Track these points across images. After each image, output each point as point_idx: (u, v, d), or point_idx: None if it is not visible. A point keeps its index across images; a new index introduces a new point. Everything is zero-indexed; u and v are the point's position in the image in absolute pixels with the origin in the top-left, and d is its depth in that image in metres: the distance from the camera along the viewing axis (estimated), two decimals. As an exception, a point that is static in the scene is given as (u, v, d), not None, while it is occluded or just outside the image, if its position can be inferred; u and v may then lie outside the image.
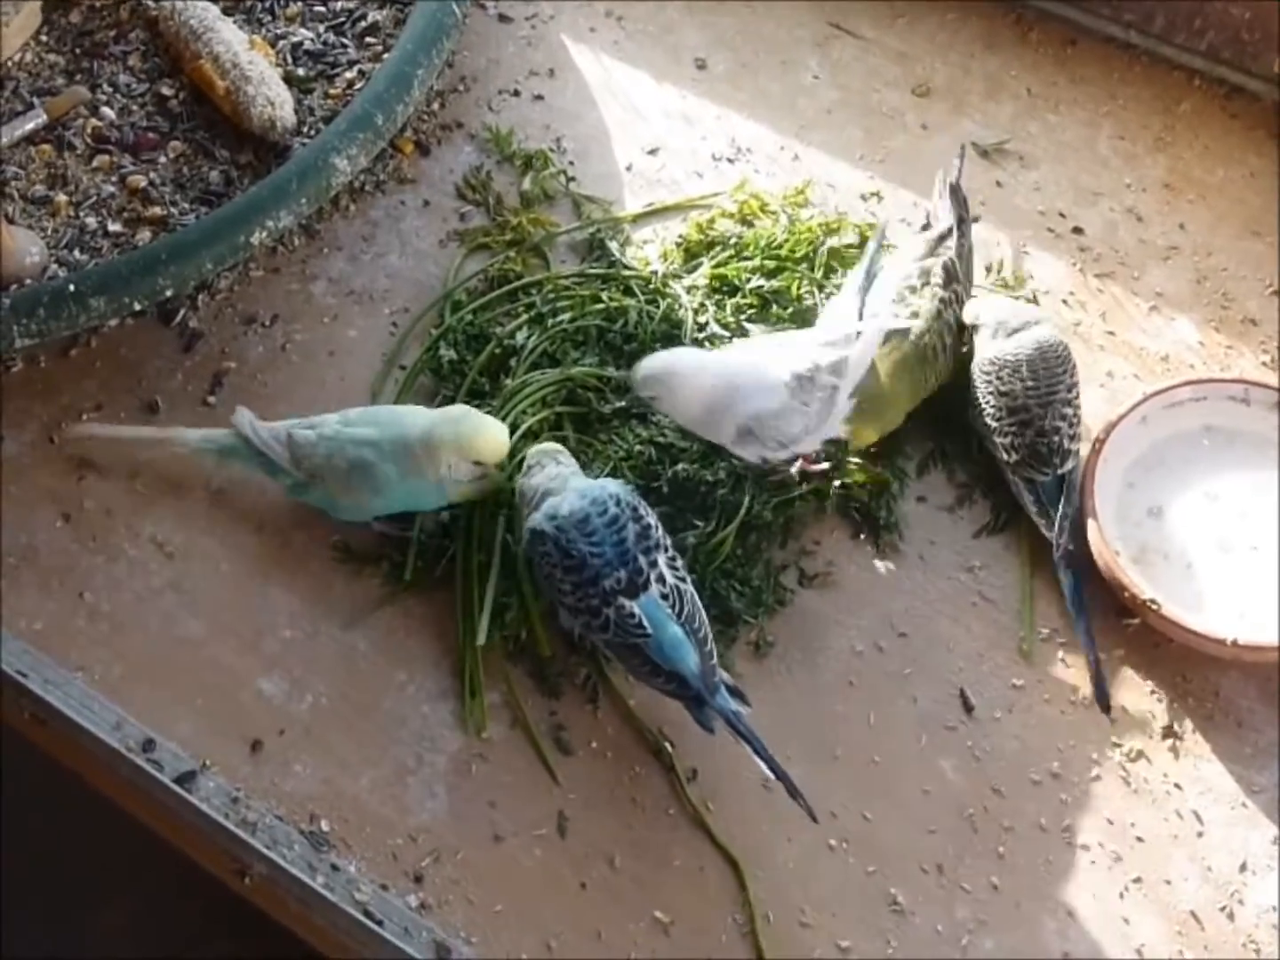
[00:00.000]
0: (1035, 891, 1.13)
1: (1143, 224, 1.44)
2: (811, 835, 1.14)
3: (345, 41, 1.55)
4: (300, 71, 1.52)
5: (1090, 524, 1.23)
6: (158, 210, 1.43)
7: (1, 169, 1.47)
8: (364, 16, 1.56)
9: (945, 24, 1.60)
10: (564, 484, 1.17)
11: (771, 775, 1.11)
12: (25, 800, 1.69)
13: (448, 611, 1.25)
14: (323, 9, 1.57)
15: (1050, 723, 1.19)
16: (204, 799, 1.18)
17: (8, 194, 1.45)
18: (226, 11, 1.55)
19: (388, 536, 1.28)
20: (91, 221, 1.44)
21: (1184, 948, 1.10)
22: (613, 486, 1.17)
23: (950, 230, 1.33)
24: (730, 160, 1.51)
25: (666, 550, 1.16)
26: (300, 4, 1.58)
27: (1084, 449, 1.27)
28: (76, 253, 1.41)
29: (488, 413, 1.27)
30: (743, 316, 1.36)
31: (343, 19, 1.57)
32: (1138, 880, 1.13)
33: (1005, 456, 1.26)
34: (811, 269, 1.38)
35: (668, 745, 1.18)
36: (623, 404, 1.31)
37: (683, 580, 1.15)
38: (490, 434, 1.23)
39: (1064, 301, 1.40)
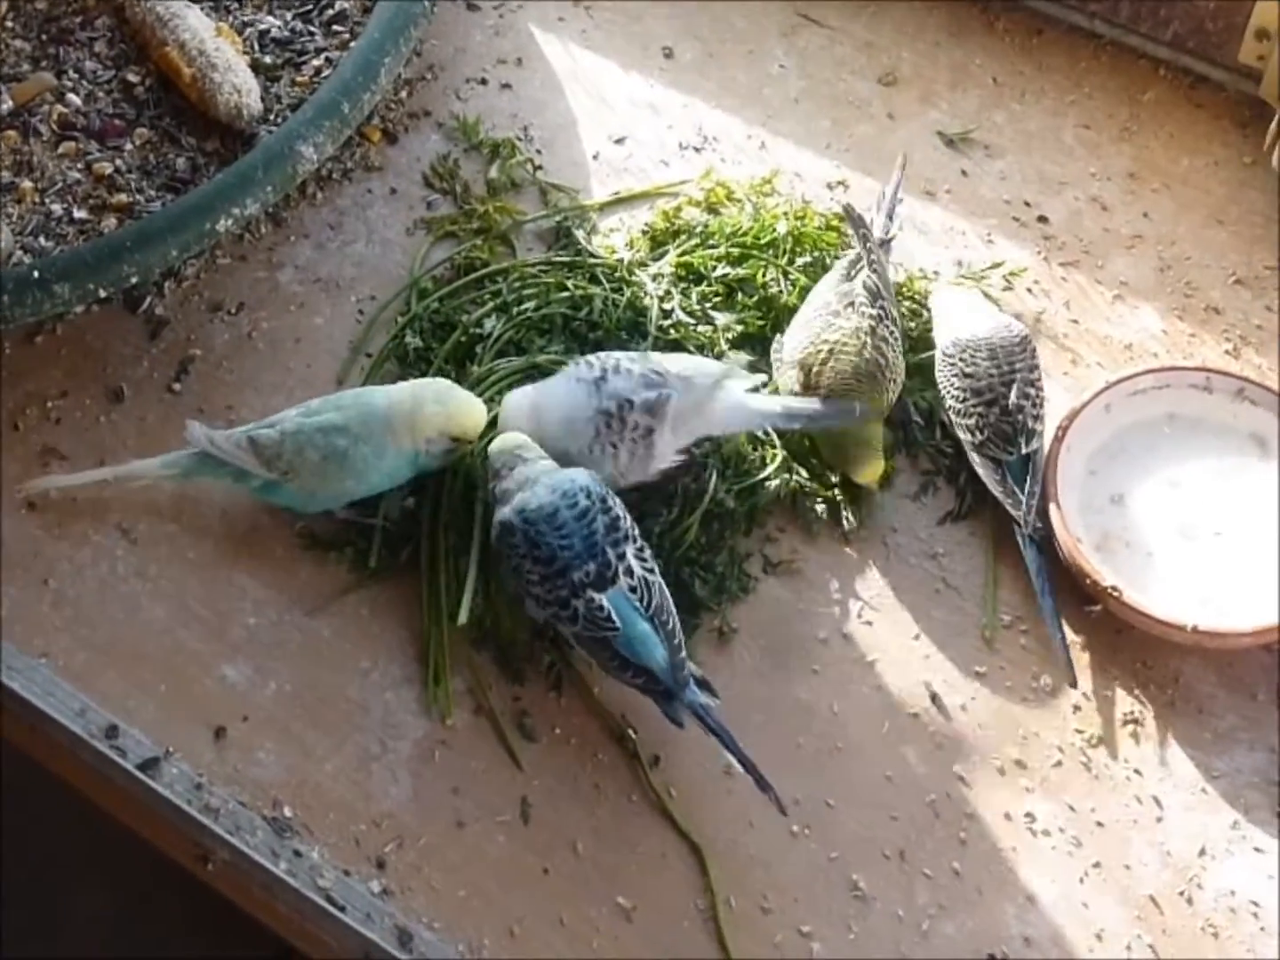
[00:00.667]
0: (996, 877, 1.13)
1: (1107, 213, 1.45)
2: (774, 822, 1.14)
3: (312, 29, 1.54)
4: (267, 59, 1.52)
5: (1053, 511, 1.23)
6: (124, 197, 1.43)
7: (-34, 156, 1.46)
8: (331, 4, 1.55)
9: (912, 13, 1.60)
10: (534, 481, 1.17)
11: (740, 767, 1.12)
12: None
13: (413, 598, 1.25)
14: (290, -4, 1.57)
15: (1012, 709, 1.20)
16: (167, 785, 1.17)
17: (-28, 181, 1.45)
18: (193, -2, 1.54)
19: (352, 523, 1.28)
20: (57, 208, 1.43)
21: (1143, 932, 1.10)
22: (582, 478, 1.17)
23: (859, 257, 1.31)
24: (697, 149, 1.51)
25: (635, 541, 1.16)
26: (267, -9, 1.57)
27: (1048, 435, 1.27)
28: (42, 239, 1.40)
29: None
30: (708, 304, 1.37)
31: (310, 6, 1.56)
32: (1097, 865, 1.13)
33: (970, 438, 1.26)
34: (777, 256, 1.39)
35: (631, 732, 1.18)
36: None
37: (651, 572, 1.15)
38: (477, 412, 1.25)
39: (1029, 290, 1.40)
